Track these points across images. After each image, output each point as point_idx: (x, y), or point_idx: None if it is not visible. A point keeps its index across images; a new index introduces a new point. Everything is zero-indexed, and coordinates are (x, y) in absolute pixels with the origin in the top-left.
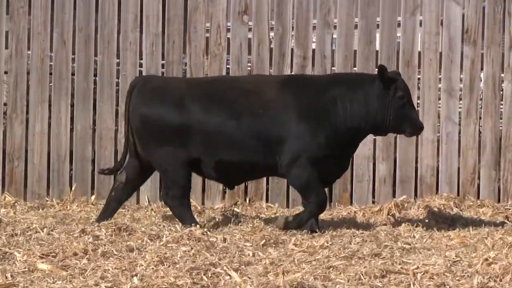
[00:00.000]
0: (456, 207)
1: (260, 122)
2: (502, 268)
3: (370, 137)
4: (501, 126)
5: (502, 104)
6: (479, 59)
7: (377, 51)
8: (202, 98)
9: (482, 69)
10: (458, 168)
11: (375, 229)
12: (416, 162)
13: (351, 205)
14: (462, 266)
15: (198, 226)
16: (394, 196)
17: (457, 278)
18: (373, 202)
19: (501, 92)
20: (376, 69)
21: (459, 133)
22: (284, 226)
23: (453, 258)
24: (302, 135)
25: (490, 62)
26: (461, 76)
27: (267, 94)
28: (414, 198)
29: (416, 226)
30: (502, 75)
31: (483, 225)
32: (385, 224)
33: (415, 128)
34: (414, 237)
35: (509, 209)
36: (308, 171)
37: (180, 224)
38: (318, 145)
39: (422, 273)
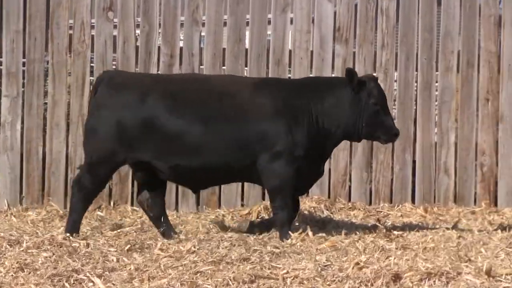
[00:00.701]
0: (327, 209)
1: (236, 124)
2: (374, 272)
3: None
4: None
5: None
6: (351, 57)
7: (246, 49)
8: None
9: (354, 68)
10: (329, 170)
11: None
12: None
13: (220, 208)
14: (333, 270)
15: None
16: (263, 198)
17: (328, 283)
18: (242, 205)
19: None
20: (246, 68)
21: None
22: (248, 230)
23: (324, 262)
24: (282, 135)
25: (362, 61)
26: (333, 75)
27: (241, 96)
28: None
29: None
30: (375, 74)
31: (355, 228)
32: None
33: (389, 135)
34: (283, 240)
35: (381, 211)
36: (288, 170)
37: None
38: (296, 145)
39: (292, 278)
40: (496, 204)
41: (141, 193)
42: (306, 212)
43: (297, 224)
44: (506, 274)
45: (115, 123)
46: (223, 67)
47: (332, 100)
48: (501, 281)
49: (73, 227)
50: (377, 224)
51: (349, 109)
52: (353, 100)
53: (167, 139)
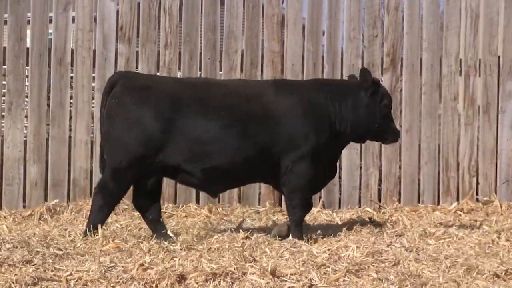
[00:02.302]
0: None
1: (259, 126)
2: (158, 273)
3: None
4: None
5: None
6: (134, 56)
7: (28, 48)
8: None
9: (137, 67)
10: None
11: (26, 235)
12: (69, 164)
13: (1, 210)
14: (117, 271)
15: None
16: (46, 200)
17: (112, 285)
18: (24, 207)
19: None
20: (28, 67)
21: None
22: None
23: (108, 264)
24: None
25: (145, 60)
26: None
27: (263, 98)
28: (67, 201)
29: (69, 231)
30: (158, 73)
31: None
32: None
33: (396, 136)
34: (67, 242)
35: (165, 212)
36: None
37: None
38: (319, 146)
39: (76, 279)
40: (280, 204)
41: (139, 197)
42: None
43: (80, 225)
44: (291, 274)
45: (143, 127)
46: (4, 66)
47: (350, 103)
48: (286, 281)
49: (94, 227)
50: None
51: (365, 111)
52: (368, 103)
53: (199, 142)
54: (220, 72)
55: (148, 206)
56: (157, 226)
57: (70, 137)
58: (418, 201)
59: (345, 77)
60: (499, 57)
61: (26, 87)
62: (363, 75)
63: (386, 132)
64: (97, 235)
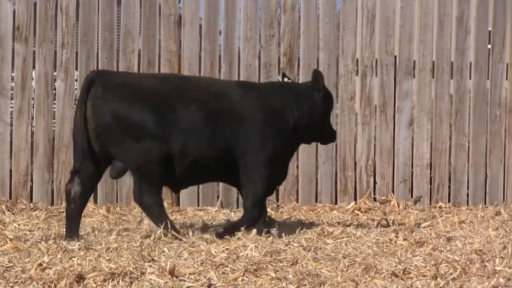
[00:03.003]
0: (9, 210)
1: (227, 123)
2: (57, 273)
3: None
4: (54, 126)
5: (55, 104)
6: (31, 56)
7: None
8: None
9: (34, 67)
10: (10, 171)
11: None
12: None
13: None
14: (16, 272)
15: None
16: None
17: (11, 285)
18: None
19: (54, 91)
20: None
21: (11, 134)
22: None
23: (6, 264)
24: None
25: (42, 60)
26: (13, 74)
27: (230, 96)
28: None
29: None
30: (55, 73)
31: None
32: None
33: (333, 137)
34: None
35: (63, 211)
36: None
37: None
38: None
39: None
40: (178, 204)
41: (72, 182)
42: None
43: None
44: (190, 274)
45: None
46: None
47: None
48: (184, 280)
49: (172, 226)
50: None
51: (320, 112)
52: (321, 104)
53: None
54: None
55: (79, 194)
56: (77, 216)
57: None
58: (316, 201)
59: (242, 77)
60: (395, 56)
61: None
62: (314, 77)
63: (329, 133)
64: None
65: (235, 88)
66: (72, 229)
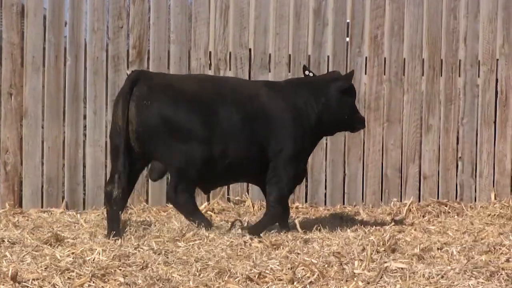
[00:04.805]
0: None
1: (259, 123)
2: None
3: None
4: None
5: None
6: None
7: None
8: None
9: None
10: None
11: None
12: None
13: None
14: None
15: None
16: None
17: None
18: None
19: None
20: None
21: None
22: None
23: None
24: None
25: None
26: None
27: (261, 97)
28: None
29: None
30: None
31: None
32: None
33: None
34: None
35: None
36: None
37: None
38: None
39: None
40: (21, 205)
41: (112, 183)
42: None
43: None
44: (33, 279)
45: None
46: None
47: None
48: (27, 286)
49: (207, 222)
50: None
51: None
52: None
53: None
54: None
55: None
56: (118, 217)
57: None
58: (167, 201)
59: (90, 70)
60: (250, 49)
61: None
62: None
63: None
64: None
65: (263, 88)
66: (114, 229)
